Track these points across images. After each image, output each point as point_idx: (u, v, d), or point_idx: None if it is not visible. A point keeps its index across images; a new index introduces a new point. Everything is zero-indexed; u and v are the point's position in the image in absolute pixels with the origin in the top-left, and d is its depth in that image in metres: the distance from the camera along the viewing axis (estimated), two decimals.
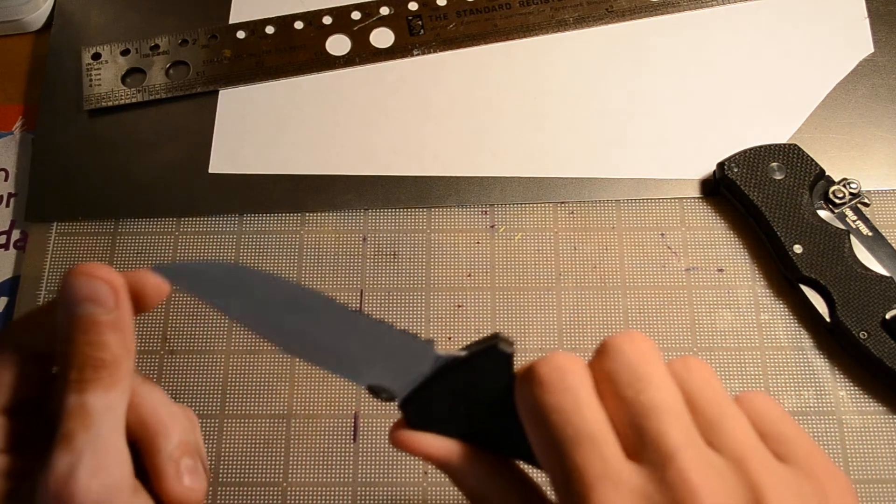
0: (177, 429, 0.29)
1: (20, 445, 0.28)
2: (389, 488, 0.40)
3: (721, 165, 0.45)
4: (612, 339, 0.26)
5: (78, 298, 0.27)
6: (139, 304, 0.28)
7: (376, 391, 0.28)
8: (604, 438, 0.24)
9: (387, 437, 0.41)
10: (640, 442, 0.24)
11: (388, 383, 0.28)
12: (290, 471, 0.41)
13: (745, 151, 0.44)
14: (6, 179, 0.48)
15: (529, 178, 0.46)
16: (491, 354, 0.28)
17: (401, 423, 0.29)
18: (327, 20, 0.51)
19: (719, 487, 0.23)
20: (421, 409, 0.28)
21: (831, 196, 0.43)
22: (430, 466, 0.41)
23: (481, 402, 0.28)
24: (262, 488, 0.41)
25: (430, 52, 0.50)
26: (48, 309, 0.28)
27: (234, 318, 0.28)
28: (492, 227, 0.46)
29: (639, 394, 0.25)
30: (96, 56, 0.50)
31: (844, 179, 0.44)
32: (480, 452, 0.28)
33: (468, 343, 0.28)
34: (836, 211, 0.43)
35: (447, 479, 0.40)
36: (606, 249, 0.45)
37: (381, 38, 0.50)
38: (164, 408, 0.29)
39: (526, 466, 0.28)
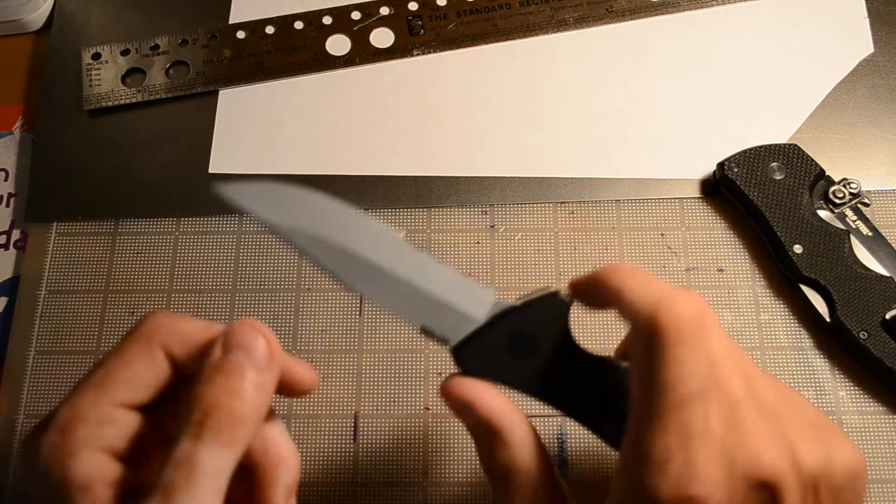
0: (293, 465, 0.29)
1: (141, 450, 0.27)
2: (389, 488, 0.40)
3: (721, 165, 0.45)
4: (678, 303, 0.27)
5: (236, 344, 0.27)
6: (284, 387, 0.29)
7: (430, 333, 0.28)
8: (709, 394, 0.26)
9: (387, 436, 0.41)
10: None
11: (443, 327, 0.28)
12: None
13: (745, 151, 0.44)
14: (6, 179, 0.48)
15: (529, 178, 0.46)
16: (549, 302, 0.28)
17: (457, 375, 0.29)
18: (327, 20, 0.51)
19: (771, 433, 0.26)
20: (473, 357, 0.28)
21: (831, 196, 0.43)
22: (430, 466, 0.41)
23: (535, 353, 0.28)
24: None
25: (430, 52, 0.50)
26: (200, 326, 0.28)
27: (290, 238, 0.28)
28: (492, 227, 0.46)
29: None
30: (96, 56, 0.50)
31: (844, 179, 0.44)
32: (526, 422, 0.28)
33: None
34: (836, 211, 0.43)
35: (447, 479, 0.40)
36: (606, 249, 0.45)
37: (381, 38, 0.50)
38: (286, 442, 0.29)
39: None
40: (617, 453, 0.27)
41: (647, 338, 0.26)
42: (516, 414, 0.28)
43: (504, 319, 0.28)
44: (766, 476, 0.25)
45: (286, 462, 0.29)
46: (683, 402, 0.25)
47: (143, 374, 0.27)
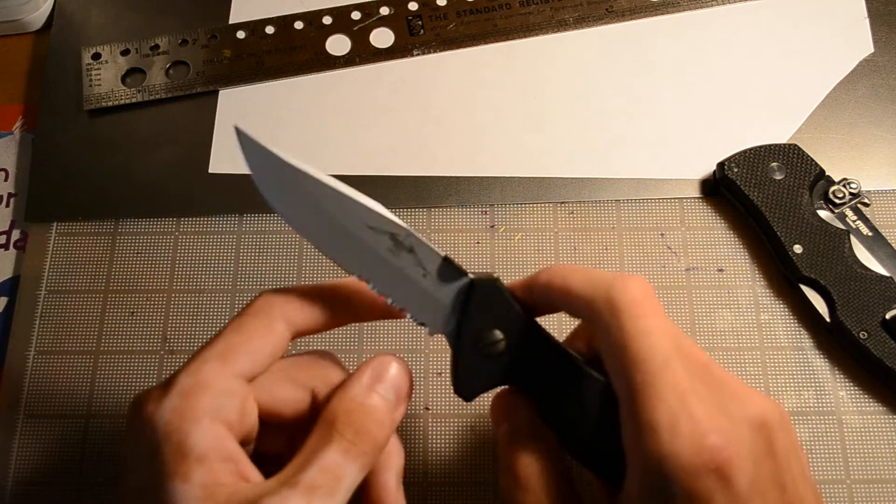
0: (402, 454, 0.31)
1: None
2: None
3: (721, 165, 0.45)
4: (629, 283, 0.28)
5: (391, 382, 0.29)
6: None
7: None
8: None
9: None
10: None
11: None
12: None
13: (745, 151, 0.44)
14: (6, 179, 0.48)
15: (529, 178, 0.46)
16: (488, 293, 0.29)
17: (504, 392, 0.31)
18: (327, 20, 0.51)
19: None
20: (469, 385, 0.30)
21: (831, 196, 0.43)
22: (430, 466, 0.40)
23: (504, 350, 0.30)
24: None
25: (430, 52, 0.50)
26: (313, 290, 0.30)
27: (301, 230, 0.29)
28: (492, 227, 0.46)
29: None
30: (96, 56, 0.50)
31: (844, 179, 0.44)
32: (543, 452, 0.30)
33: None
34: (836, 211, 0.43)
35: (447, 480, 0.40)
36: (606, 249, 0.45)
37: (381, 38, 0.50)
38: (394, 435, 0.31)
39: None
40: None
41: (610, 318, 0.27)
42: (534, 446, 0.29)
43: (463, 332, 0.30)
44: (760, 416, 0.26)
45: (393, 454, 0.30)
46: (666, 366, 0.26)
47: (263, 346, 0.28)
